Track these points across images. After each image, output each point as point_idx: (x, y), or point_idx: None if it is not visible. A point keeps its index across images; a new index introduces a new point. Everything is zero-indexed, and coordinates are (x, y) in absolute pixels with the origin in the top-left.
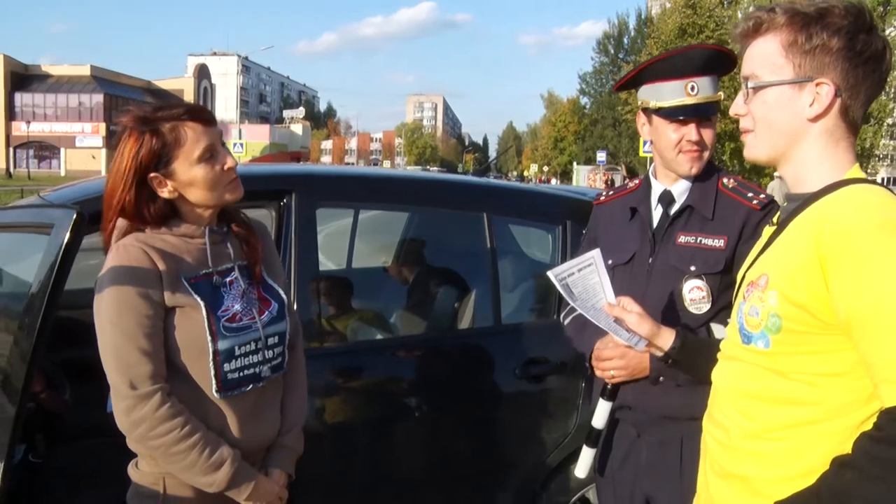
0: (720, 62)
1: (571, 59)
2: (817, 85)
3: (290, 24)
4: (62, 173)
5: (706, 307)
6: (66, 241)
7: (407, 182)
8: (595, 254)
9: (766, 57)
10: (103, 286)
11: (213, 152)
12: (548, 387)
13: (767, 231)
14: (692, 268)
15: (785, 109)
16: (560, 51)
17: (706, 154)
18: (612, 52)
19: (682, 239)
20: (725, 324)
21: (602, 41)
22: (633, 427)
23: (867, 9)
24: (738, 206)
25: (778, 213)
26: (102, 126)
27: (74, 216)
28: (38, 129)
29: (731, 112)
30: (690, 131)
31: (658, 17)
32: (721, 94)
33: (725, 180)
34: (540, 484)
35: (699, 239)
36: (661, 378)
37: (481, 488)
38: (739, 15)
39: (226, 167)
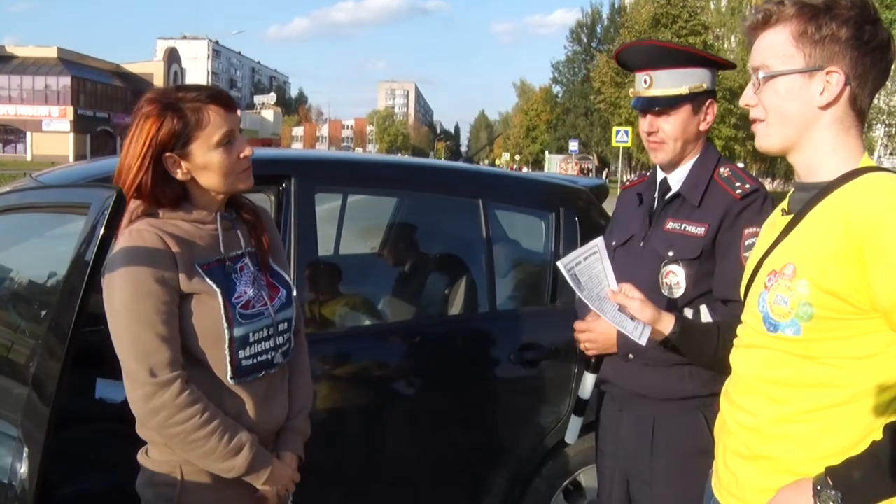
0: (675, 56)
1: (544, 48)
2: (827, 73)
3: (261, 9)
4: (28, 158)
5: (679, 292)
6: (105, 223)
7: (405, 167)
8: (599, 241)
9: (776, 47)
10: (116, 272)
11: (232, 138)
12: (542, 372)
13: (781, 220)
14: (670, 253)
15: (796, 98)
16: (533, 39)
17: (669, 146)
18: (585, 41)
19: (669, 225)
20: (696, 310)
21: (575, 30)
22: (614, 401)
23: (871, 1)
24: (723, 195)
25: (786, 202)
26: (70, 109)
27: (115, 195)
28: (3, 111)
29: (742, 103)
30: (645, 122)
31: (631, 6)
32: (685, 90)
33: (722, 169)
34: (534, 468)
35: (684, 226)
36: (631, 356)
37: (477, 473)
38: (712, 6)
39: (242, 155)
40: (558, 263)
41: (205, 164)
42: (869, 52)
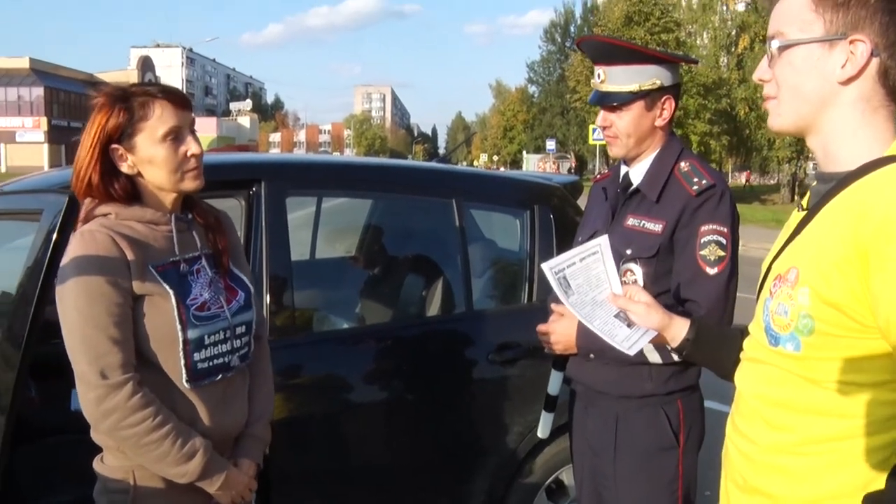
0: (624, 54)
1: (519, 48)
2: (851, 42)
3: (234, 15)
4: (2, 169)
5: None
6: (57, 228)
7: (377, 169)
8: (602, 241)
9: (793, 12)
10: (68, 274)
11: (179, 135)
12: (520, 371)
13: (796, 217)
14: (628, 251)
15: (813, 71)
16: (507, 40)
17: (622, 141)
18: (559, 40)
19: (629, 221)
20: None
21: (549, 30)
22: (580, 399)
23: None
24: (681, 191)
25: (807, 196)
26: (44, 120)
27: (67, 200)
28: None
29: (755, 77)
30: (599, 116)
31: (604, 5)
32: (636, 87)
33: (683, 164)
34: (516, 467)
35: (643, 223)
36: (592, 355)
37: (459, 474)
38: (684, 3)
39: (189, 153)
40: (543, 266)
41: (149, 157)
42: None
